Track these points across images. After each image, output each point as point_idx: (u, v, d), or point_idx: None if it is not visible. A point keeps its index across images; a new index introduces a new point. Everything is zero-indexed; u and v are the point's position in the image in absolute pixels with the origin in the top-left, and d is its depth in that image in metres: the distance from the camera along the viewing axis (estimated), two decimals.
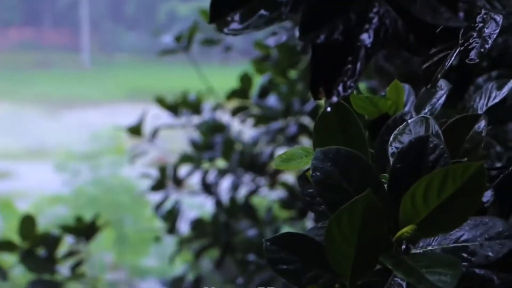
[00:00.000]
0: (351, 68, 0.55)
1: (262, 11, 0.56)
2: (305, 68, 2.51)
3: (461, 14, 0.52)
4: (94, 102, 11.90)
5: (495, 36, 0.70)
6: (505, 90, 0.93)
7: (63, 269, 2.27)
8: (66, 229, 2.38)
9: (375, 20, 0.55)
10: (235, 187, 2.72)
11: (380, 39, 0.55)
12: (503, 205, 0.73)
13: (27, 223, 2.19)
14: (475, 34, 0.71)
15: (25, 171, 7.78)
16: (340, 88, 0.55)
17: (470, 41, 0.71)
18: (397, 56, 1.53)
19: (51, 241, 2.21)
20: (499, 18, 0.70)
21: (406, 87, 0.98)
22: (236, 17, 0.56)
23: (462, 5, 0.51)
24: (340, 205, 0.62)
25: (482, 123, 0.82)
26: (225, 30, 0.57)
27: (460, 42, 0.72)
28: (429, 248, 0.66)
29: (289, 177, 2.77)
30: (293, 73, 2.59)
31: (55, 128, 10.10)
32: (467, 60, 0.70)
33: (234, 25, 0.57)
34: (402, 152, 0.68)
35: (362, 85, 2.26)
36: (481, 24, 0.71)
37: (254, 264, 2.37)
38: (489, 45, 0.70)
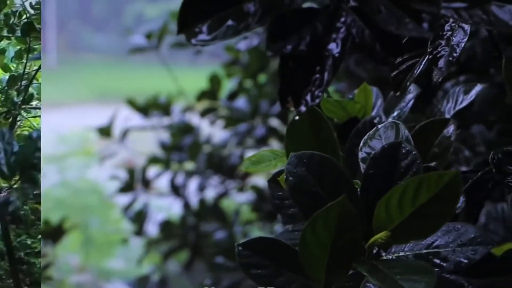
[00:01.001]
0: (319, 78, 0.56)
1: (230, 22, 0.56)
2: (274, 71, 2.52)
3: (425, 25, 0.52)
4: (62, 103, 11.76)
5: (463, 44, 0.71)
6: (472, 94, 0.94)
7: None
8: None
9: (343, 29, 0.55)
10: (201, 188, 2.72)
11: (348, 48, 0.55)
12: (471, 210, 0.74)
13: None
14: (443, 43, 0.71)
15: None
16: (308, 97, 0.56)
17: (439, 49, 0.71)
18: (369, 61, 1.54)
19: None
20: (467, 27, 0.71)
21: (374, 90, 0.98)
22: (204, 28, 0.57)
23: (426, 16, 0.52)
24: (313, 210, 0.62)
25: (451, 128, 0.82)
26: (193, 41, 0.57)
27: (429, 50, 0.72)
28: (402, 253, 0.66)
29: (259, 180, 2.77)
30: (262, 77, 2.60)
31: None
32: (435, 69, 0.71)
33: (202, 36, 0.57)
34: (375, 158, 0.68)
35: (330, 88, 2.26)
36: (449, 33, 0.72)
37: (223, 267, 2.37)
38: (457, 54, 0.70)
